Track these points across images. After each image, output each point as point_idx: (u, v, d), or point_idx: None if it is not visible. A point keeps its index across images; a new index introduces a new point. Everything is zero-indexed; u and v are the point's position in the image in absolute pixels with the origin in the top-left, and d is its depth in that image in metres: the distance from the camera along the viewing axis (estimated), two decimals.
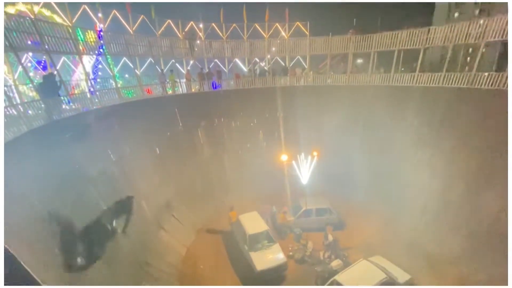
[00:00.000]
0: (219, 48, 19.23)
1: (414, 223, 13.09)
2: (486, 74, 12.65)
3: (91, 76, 18.28)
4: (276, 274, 10.74)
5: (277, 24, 20.13)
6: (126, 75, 24.38)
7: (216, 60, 20.63)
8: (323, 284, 9.71)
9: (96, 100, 12.70)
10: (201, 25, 18.74)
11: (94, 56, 17.47)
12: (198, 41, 18.78)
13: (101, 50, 14.00)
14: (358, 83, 17.67)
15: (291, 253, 12.00)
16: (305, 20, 19.83)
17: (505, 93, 11.33)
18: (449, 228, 11.83)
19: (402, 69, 17.58)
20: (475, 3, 46.91)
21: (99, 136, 10.43)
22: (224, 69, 20.29)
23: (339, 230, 13.38)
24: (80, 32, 12.78)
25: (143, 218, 11.31)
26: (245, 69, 20.99)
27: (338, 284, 9.12)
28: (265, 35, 19.83)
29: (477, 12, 46.77)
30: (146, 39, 15.86)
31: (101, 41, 13.72)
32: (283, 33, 20.16)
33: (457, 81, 13.47)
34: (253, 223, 12.19)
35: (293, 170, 14.05)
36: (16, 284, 2.08)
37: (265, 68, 20.67)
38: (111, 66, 15.43)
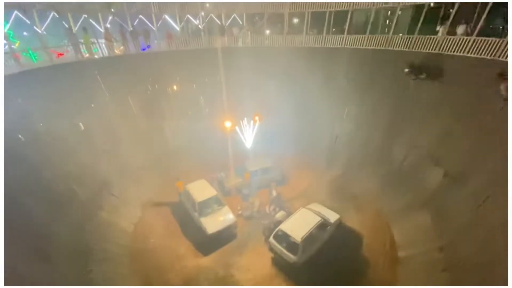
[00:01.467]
0: (143, 3, 16.62)
1: (342, 170, 15.26)
2: (400, 36, 14.29)
3: None
4: (227, 233, 11.46)
5: None
6: (25, 33, 19.60)
7: (141, 16, 17.95)
8: (270, 234, 10.83)
9: None
10: None
11: None
12: None
13: None
14: (294, 45, 17.98)
15: (240, 212, 12.82)
16: None
17: (413, 54, 13.09)
18: (368, 172, 14.19)
19: (333, 30, 18.43)
20: None
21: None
22: (152, 27, 17.91)
23: (282, 185, 14.68)
24: None
25: (78, 202, 10.30)
26: (177, 27, 18.95)
27: (283, 232, 10.33)
28: None
29: None
30: None
31: None
32: None
33: (377, 43, 14.90)
34: (202, 190, 12.35)
35: (237, 134, 14.28)
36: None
37: (200, 26, 19.03)
38: None
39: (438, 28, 12.82)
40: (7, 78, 9.60)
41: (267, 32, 19.82)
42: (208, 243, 11.06)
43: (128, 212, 12.35)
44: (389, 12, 19.45)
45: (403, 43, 13.82)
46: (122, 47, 15.65)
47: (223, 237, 11.32)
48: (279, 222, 11.24)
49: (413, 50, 13.29)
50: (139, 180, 13.82)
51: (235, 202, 13.33)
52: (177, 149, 16.37)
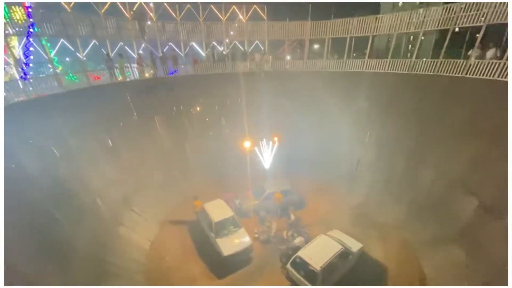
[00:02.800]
0: (173, 30, 18.03)
1: (364, 196, 14.54)
2: (424, 60, 14.12)
3: (23, 59, 15.86)
4: (243, 257, 11.09)
5: (234, 6, 19.47)
6: (67, 59, 21.71)
7: (170, 43, 19.36)
8: (287, 261, 10.33)
9: (31, 89, 11.16)
10: (151, 4, 17.25)
11: (25, 37, 15.09)
12: (149, 22, 17.35)
13: (31, 30, 12.11)
14: (315, 69, 18.32)
15: (256, 235, 12.45)
16: (262, 3, 19.52)
17: (437, 78, 12.84)
18: (393, 199, 13.40)
19: (354, 55, 18.65)
20: None
21: (39, 130, 9.26)
22: (180, 53, 19.19)
23: (300, 209, 14.20)
24: (4, 8, 10.84)
25: (99, 216, 10.59)
26: (203, 53, 20.15)
27: (301, 259, 9.81)
28: (222, 18, 19.11)
29: (418, 1, 51.14)
30: (87, 18, 14.11)
31: (31, 20, 11.85)
32: (240, 16, 19.63)
33: (400, 67, 14.79)
34: (219, 210, 12.26)
35: (256, 155, 14.32)
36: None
37: (224, 52, 20.09)
38: (47, 49, 13.53)
39: (470, 52, 12.54)
40: (50, 98, 10.59)
41: (288, 57, 20.44)
42: (223, 266, 10.73)
43: (146, 229, 12.46)
44: (412, 37, 19.46)
45: (427, 67, 13.60)
46: (151, 71, 16.79)
47: (239, 261, 10.95)
48: (297, 248, 10.74)
49: (438, 74, 13.02)
50: (158, 197, 14.04)
51: (252, 225, 13.02)
52: (196, 168, 16.64)
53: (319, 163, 16.70)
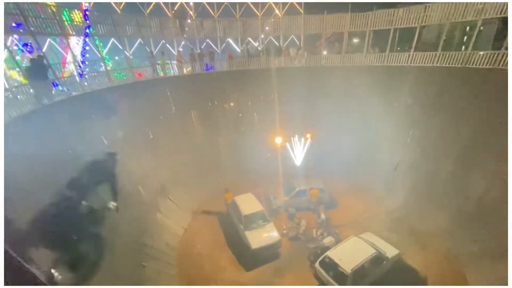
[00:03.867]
0: (211, 27, 18.57)
1: (403, 201, 13.53)
2: (482, 53, 12.53)
3: (80, 58, 17.73)
4: (270, 251, 11.16)
5: (270, 2, 19.37)
6: (116, 57, 23.70)
7: (208, 40, 20.00)
8: (315, 260, 10.14)
9: (86, 84, 12.43)
10: (191, 3, 17.98)
11: (82, 38, 16.84)
12: (189, 20, 18.11)
13: (87, 31, 13.46)
14: (353, 63, 17.43)
15: (285, 231, 12.41)
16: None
17: (499, 72, 11.31)
18: (436, 205, 12.27)
19: (398, 48, 17.30)
20: None
21: (91, 121, 10.32)
22: (216, 49, 19.73)
23: (332, 209, 13.79)
24: (65, 12, 12.21)
25: (140, 202, 11.48)
26: (238, 49, 20.45)
27: (330, 259, 9.55)
28: (258, 14, 19.15)
29: None
30: (134, 18, 15.23)
31: (87, 22, 13.16)
32: (277, 11, 19.46)
33: (452, 60, 13.35)
34: (248, 203, 12.48)
35: (287, 152, 14.20)
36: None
37: (259, 48, 20.13)
38: (100, 48, 14.93)
39: None
40: (102, 92, 11.70)
41: (324, 52, 19.75)
42: (250, 258, 10.93)
43: (180, 217, 13.20)
44: (468, 28, 17.37)
45: (486, 60, 12.06)
46: (189, 68, 17.55)
47: (266, 255, 11.06)
48: (327, 248, 10.48)
49: (500, 67, 11.48)
50: (192, 188, 14.73)
51: (281, 221, 13.00)
52: (228, 161, 17.08)
53: (354, 163, 15.95)
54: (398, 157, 14.94)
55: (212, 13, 18.40)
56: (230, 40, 20.43)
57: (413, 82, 14.61)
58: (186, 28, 17.76)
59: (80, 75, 12.82)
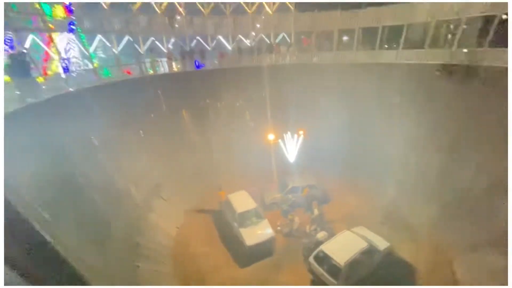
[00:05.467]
0: (201, 24, 18.38)
1: (394, 195, 13.88)
2: (466, 50, 12.98)
3: (64, 55, 17.16)
4: (265, 248, 11.22)
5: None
6: (103, 55, 23.08)
7: (198, 37, 19.76)
8: (309, 254, 10.27)
9: (72, 82, 12.06)
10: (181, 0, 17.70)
11: (66, 34, 16.28)
12: (179, 17, 17.82)
13: (72, 26, 13.03)
14: (344, 61, 17.66)
15: (279, 228, 12.50)
16: None
17: (482, 69, 11.74)
18: (426, 198, 12.65)
19: (386, 46, 17.66)
20: None
21: (79, 120, 10.02)
22: (207, 47, 19.53)
23: (324, 204, 13.98)
24: (47, 7, 11.75)
25: (132, 202, 11.30)
26: (229, 46, 20.31)
27: (324, 253, 9.70)
28: (249, 11, 19.06)
29: None
30: (122, 15, 14.85)
31: (72, 17, 12.74)
32: (267, 9, 19.42)
33: (438, 57, 13.75)
34: (242, 201, 12.48)
35: (280, 149, 14.28)
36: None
37: (250, 45, 20.07)
38: (85, 45, 14.49)
39: None
40: (88, 90, 11.38)
41: (316, 49, 19.90)
42: (245, 255, 10.95)
43: (173, 216, 13.06)
44: (452, 25, 17.92)
45: (470, 57, 12.48)
46: (179, 66, 17.29)
47: (261, 252, 11.10)
48: (320, 242, 10.61)
49: (482, 64, 11.91)
50: (185, 186, 14.59)
51: (275, 218, 13.08)
52: (221, 160, 16.99)
53: (346, 159, 16.19)
54: (389, 152, 15.28)
55: (202, 10, 18.16)
56: (221, 38, 20.25)
57: (402, 78, 14.92)
58: (176, 25, 17.48)
59: (65, 69, 12.39)
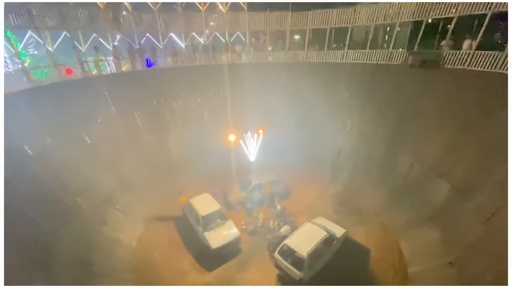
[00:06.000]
0: (150, 21, 17.26)
1: (346, 184, 15.14)
2: (400, 50, 14.61)
3: None
4: (231, 248, 11.24)
5: None
6: (35, 52, 20.32)
7: (148, 34, 18.60)
8: (274, 250, 10.60)
9: None
10: None
11: None
12: (124, 12, 16.51)
13: None
14: (296, 60, 18.43)
15: (244, 227, 12.62)
16: None
17: (415, 69, 13.34)
18: (373, 185, 14.05)
19: (334, 46, 18.91)
20: None
21: (6, 128, 8.69)
22: (158, 44, 18.51)
23: (286, 199, 14.53)
24: None
25: (81, 216, 10.26)
26: (182, 44, 19.55)
27: (288, 247, 10.11)
28: (201, 8, 18.57)
29: None
30: (56, 8, 13.19)
31: None
32: (220, 7, 19.16)
33: (377, 58, 15.23)
34: (205, 204, 12.26)
35: (241, 148, 14.35)
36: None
37: (204, 43, 19.63)
38: (12, 41, 12.58)
39: (442, 43, 13.07)
40: (18, 94, 9.93)
41: (269, 48, 20.35)
42: (211, 259, 10.84)
43: (131, 227, 12.24)
44: (388, 28, 19.98)
45: (403, 57, 14.10)
46: (127, 65, 16.08)
47: (227, 253, 11.11)
48: (284, 237, 11.03)
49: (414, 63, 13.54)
50: (143, 194, 13.77)
51: (239, 217, 13.16)
52: (180, 163, 16.43)
53: (303, 153, 17.09)
54: (340, 145, 16.55)
55: (151, 5, 17.09)
56: (173, 35, 19.38)
57: (349, 77, 16.24)
58: (122, 21, 16.18)
59: None
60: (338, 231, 11.30)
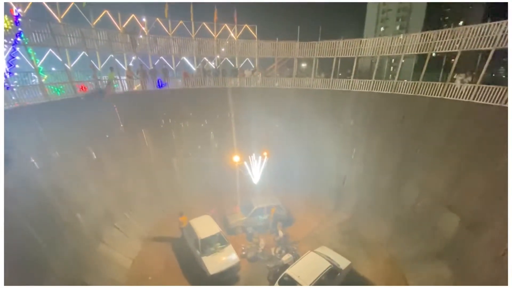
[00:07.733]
0: (165, 45, 18.20)
1: (351, 213, 14.68)
2: (406, 81, 14.91)
3: (7, 69, 15.40)
4: (229, 275, 10.72)
5: (225, 24, 20.05)
6: (53, 69, 21.26)
7: (162, 57, 19.48)
8: (275, 279, 10.07)
9: (13, 98, 10.76)
10: (144, 19, 17.48)
11: (10, 46, 14.73)
12: (141, 36, 17.47)
13: (18, 39, 11.87)
14: (303, 87, 18.90)
15: (244, 252, 12.14)
16: (253, 23, 20.23)
17: (420, 99, 13.55)
18: (379, 215, 13.60)
19: (340, 74, 19.44)
20: (396, 20, 55.13)
21: (19, 140, 8.86)
22: (171, 67, 19.31)
23: (289, 225, 14.08)
24: None
25: (79, 233, 10.02)
26: (193, 68, 20.35)
27: (289, 277, 9.61)
28: (214, 35, 19.58)
29: (397, 27, 54.99)
30: (78, 29, 14.04)
31: (19, 28, 11.65)
32: (232, 34, 20.19)
33: (383, 87, 15.52)
34: (205, 226, 11.93)
35: (244, 170, 14.26)
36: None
37: (214, 67, 20.41)
38: (33, 58, 13.22)
39: (455, 76, 13.14)
40: (34, 107, 10.26)
41: (277, 75, 21.02)
42: (208, 285, 10.30)
43: (128, 246, 11.87)
44: (393, 60, 20.60)
45: (409, 88, 14.34)
46: (139, 84, 16.64)
47: (225, 279, 10.57)
48: (286, 266, 10.55)
49: (419, 95, 13.75)
50: (143, 213, 13.55)
51: (239, 241, 12.71)
52: (183, 183, 16.31)
53: (307, 179, 16.82)
54: (345, 173, 16.32)
55: (167, 30, 18.12)
56: (185, 59, 20.26)
57: (354, 105, 16.47)
58: (138, 44, 17.06)
59: (6, 87, 11.08)
60: (343, 263, 10.77)
